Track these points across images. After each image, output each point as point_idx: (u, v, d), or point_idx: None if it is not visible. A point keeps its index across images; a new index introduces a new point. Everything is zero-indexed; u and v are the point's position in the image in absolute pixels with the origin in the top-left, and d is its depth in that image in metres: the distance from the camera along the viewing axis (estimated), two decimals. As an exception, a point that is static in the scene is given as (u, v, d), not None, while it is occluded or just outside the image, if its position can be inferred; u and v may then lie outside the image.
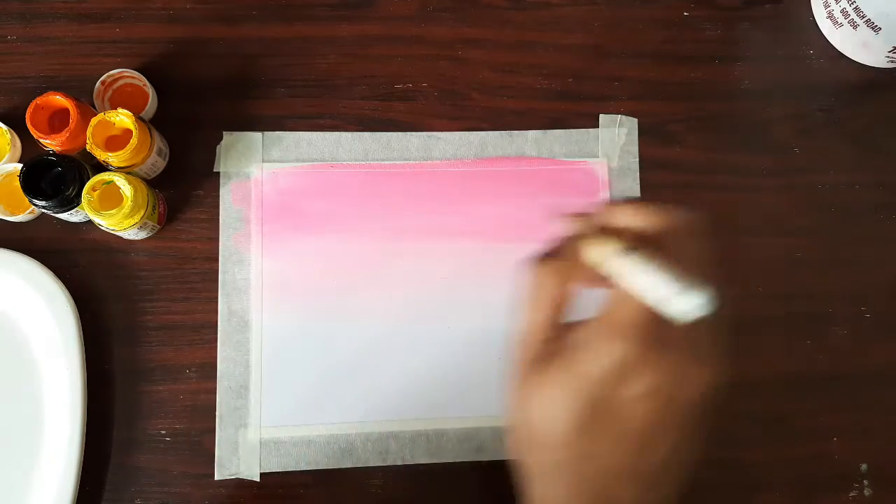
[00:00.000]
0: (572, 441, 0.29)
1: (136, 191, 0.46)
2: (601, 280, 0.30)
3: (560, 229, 0.32)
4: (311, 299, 0.50)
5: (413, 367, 0.50)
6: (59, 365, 0.47)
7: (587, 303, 0.31)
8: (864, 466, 0.50)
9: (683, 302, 0.27)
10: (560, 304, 0.31)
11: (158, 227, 0.50)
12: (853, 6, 0.53)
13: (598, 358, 0.28)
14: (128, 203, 0.45)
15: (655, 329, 0.29)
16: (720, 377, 0.31)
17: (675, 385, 0.29)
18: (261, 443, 0.48)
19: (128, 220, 0.46)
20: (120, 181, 0.46)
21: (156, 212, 0.48)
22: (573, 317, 0.31)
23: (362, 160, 0.53)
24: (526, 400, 0.30)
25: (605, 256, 0.30)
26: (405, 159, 0.53)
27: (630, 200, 0.31)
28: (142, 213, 0.46)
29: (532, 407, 0.30)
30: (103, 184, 0.46)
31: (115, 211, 0.45)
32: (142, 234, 0.49)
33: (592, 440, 0.29)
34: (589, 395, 0.29)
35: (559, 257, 0.31)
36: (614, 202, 0.31)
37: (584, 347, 0.29)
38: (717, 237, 0.53)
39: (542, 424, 0.30)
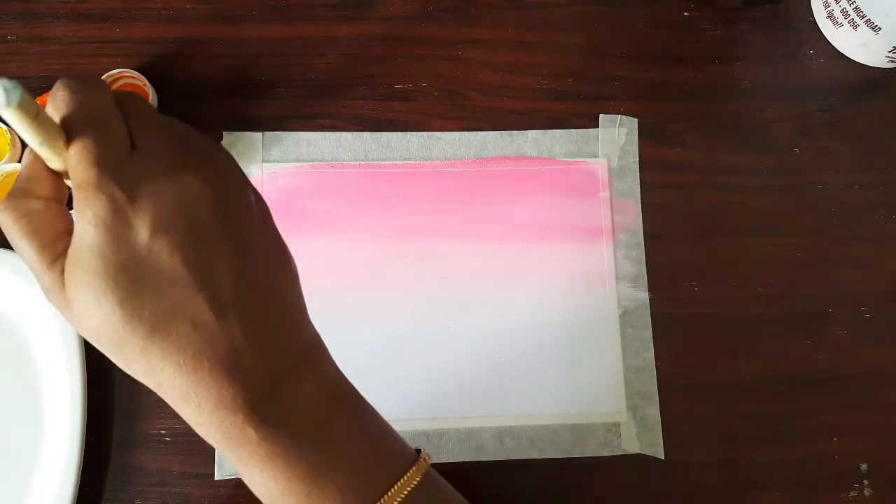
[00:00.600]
0: (136, 314, 0.27)
1: None
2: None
3: None
4: (310, 300, 0.50)
5: (413, 366, 0.50)
6: (59, 365, 0.47)
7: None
8: (864, 466, 0.50)
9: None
10: (42, 229, 0.28)
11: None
12: (853, 6, 0.53)
13: (85, 227, 0.26)
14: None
15: (119, 169, 0.26)
16: (220, 187, 0.28)
17: (173, 207, 0.27)
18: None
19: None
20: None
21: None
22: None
23: (362, 160, 0.53)
24: (77, 319, 0.28)
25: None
26: (405, 159, 0.53)
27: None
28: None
29: (84, 318, 0.28)
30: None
31: None
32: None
33: (151, 302, 0.26)
34: (108, 264, 0.26)
35: (14, 192, 0.28)
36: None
37: (74, 234, 0.27)
38: (717, 237, 0.54)
39: (102, 324, 0.28)
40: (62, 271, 0.27)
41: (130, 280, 0.26)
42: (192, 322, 0.27)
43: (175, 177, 0.27)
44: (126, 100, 0.29)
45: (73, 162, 0.26)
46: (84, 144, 0.26)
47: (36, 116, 0.25)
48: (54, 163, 0.27)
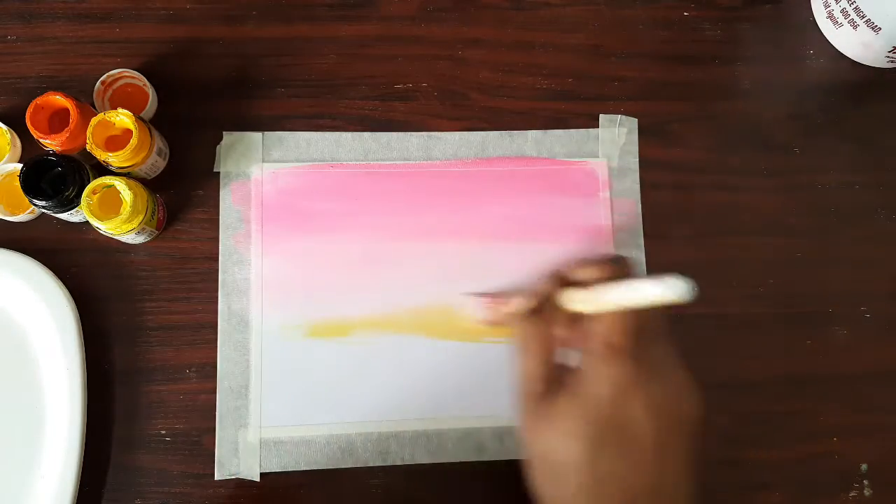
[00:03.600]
0: (589, 465, 0.30)
1: (135, 196, 0.46)
2: (579, 319, 0.33)
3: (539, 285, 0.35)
4: (310, 299, 0.50)
5: (413, 366, 0.50)
6: (59, 365, 0.47)
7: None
8: (864, 466, 0.50)
9: (665, 287, 0.29)
10: (548, 348, 0.33)
11: (157, 232, 0.50)
12: (853, 6, 0.53)
13: (598, 382, 0.30)
14: (126, 208, 0.45)
15: (645, 349, 0.31)
16: (698, 395, 0.33)
17: (674, 400, 0.31)
18: (261, 443, 0.48)
19: (126, 225, 0.46)
20: (120, 185, 0.46)
21: (154, 217, 0.48)
22: (563, 359, 0.34)
23: (362, 160, 0.53)
24: (538, 435, 0.32)
25: (577, 297, 0.32)
26: (405, 159, 0.53)
27: (594, 259, 0.34)
28: (140, 218, 0.46)
29: (546, 440, 0.32)
30: (104, 187, 0.46)
31: (114, 216, 0.45)
32: (140, 239, 0.49)
33: (608, 461, 0.30)
34: (596, 418, 0.30)
35: (539, 309, 0.34)
36: (582, 261, 0.34)
37: (583, 376, 0.31)
38: (718, 237, 0.54)
39: (558, 455, 0.31)
40: (548, 394, 0.32)
41: (604, 437, 0.30)
42: (624, 493, 0.31)
43: (677, 374, 0.32)
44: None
45: (615, 323, 0.31)
46: (635, 315, 0.31)
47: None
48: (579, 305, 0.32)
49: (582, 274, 0.34)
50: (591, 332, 0.32)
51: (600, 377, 0.30)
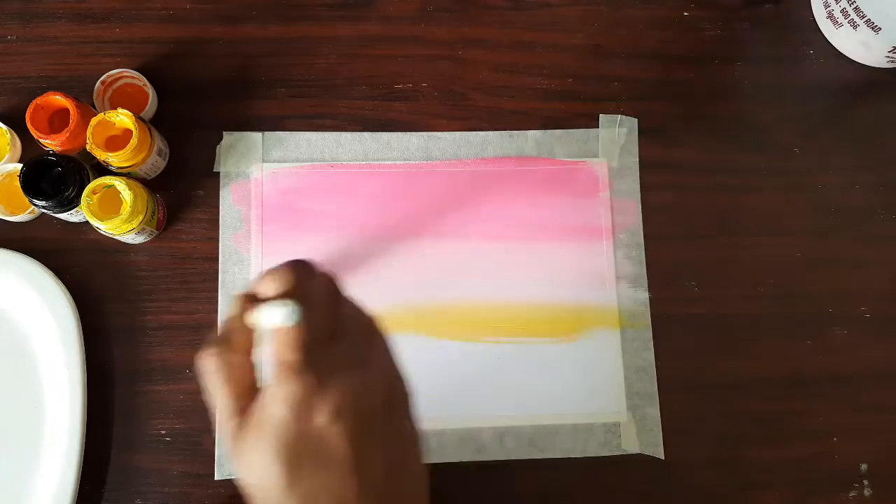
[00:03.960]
0: (293, 488, 0.30)
1: (135, 196, 0.46)
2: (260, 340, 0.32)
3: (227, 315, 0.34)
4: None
5: (413, 366, 0.50)
6: (59, 365, 0.47)
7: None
8: (864, 466, 0.50)
9: (270, 313, 0.30)
10: (238, 379, 0.32)
11: (157, 232, 0.50)
12: (853, 6, 0.53)
13: (274, 403, 0.30)
14: (126, 208, 0.45)
15: (318, 358, 0.30)
16: (387, 382, 0.33)
17: (355, 400, 0.30)
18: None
19: (126, 226, 0.46)
20: (120, 186, 0.46)
21: (154, 217, 0.48)
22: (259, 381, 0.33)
23: (362, 160, 0.53)
24: (242, 468, 0.31)
25: (251, 318, 0.32)
26: (405, 159, 0.53)
27: (270, 271, 0.32)
28: (140, 218, 0.46)
29: (248, 472, 0.31)
30: (104, 187, 0.46)
31: (114, 216, 0.45)
32: (140, 239, 0.49)
33: (311, 478, 0.30)
34: (283, 440, 0.30)
35: (218, 340, 0.32)
36: (262, 274, 0.33)
37: (262, 401, 0.30)
38: (718, 237, 0.54)
39: (262, 484, 0.30)
40: (243, 425, 0.31)
41: (298, 456, 0.30)
42: (338, 501, 0.30)
43: (359, 370, 0.31)
44: (330, 283, 0.33)
45: (282, 340, 0.30)
46: (282, 310, 0.30)
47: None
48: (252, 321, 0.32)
49: (260, 287, 0.32)
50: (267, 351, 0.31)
51: (276, 398, 0.30)
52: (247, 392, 0.32)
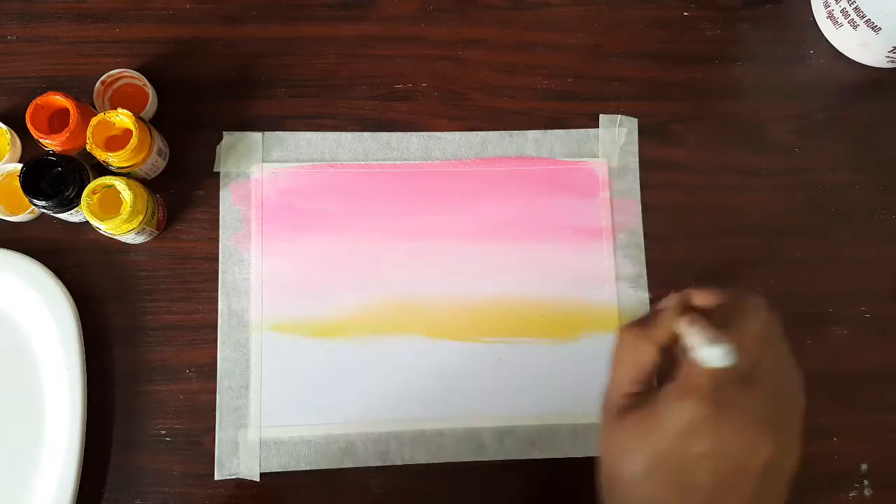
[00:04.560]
0: (639, 484, 0.32)
1: (135, 196, 0.46)
2: (679, 347, 0.33)
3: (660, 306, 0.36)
4: (310, 299, 0.50)
5: (413, 366, 0.50)
6: (59, 364, 0.47)
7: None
8: (864, 466, 0.50)
9: (708, 351, 0.31)
10: (641, 364, 0.34)
11: (157, 232, 0.50)
12: (853, 6, 0.53)
13: (666, 413, 0.31)
14: (126, 208, 0.45)
15: (726, 395, 0.31)
16: (787, 454, 0.32)
17: (738, 451, 0.31)
18: (261, 443, 0.48)
19: (126, 226, 0.46)
20: (120, 186, 0.46)
21: (154, 217, 0.48)
22: (654, 379, 0.35)
23: (362, 160, 0.53)
24: (607, 445, 0.34)
25: (680, 325, 0.33)
26: (405, 159, 0.53)
27: (719, 293, 0.34)
28: (140, 218, 0.46)
29: (611, 452, 0.33)
30: (104, 187, 0.46)
31: (114, 216, 0.45)
32: (140, 239, 0.49)
33: (656, 486, 0.31)
34: (657, 445, 0.31)
35: (644, 324, 0.35)
36: (708, 291, 0.35)
37: (657, 403, 0.32)
38: (718, 237, 0.54)
39: (617, 464, 0.33)
40: (628, 408, 0.33)
41: (660, 468, 0.31)
42: None
43: (756, 427, 0.31)
44: (767, 325, 0.34)
45: (700, 362, 0.31)
46: (721, 352, 0.31)
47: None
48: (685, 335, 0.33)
49: (701, 301, 0.34)
50: (681, 362, 0.33)
51: (670, 409, 0.31)
52: (642, 381, 0.34)
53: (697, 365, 0.32)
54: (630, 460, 0.32)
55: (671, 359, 0.34)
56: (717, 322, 0.33)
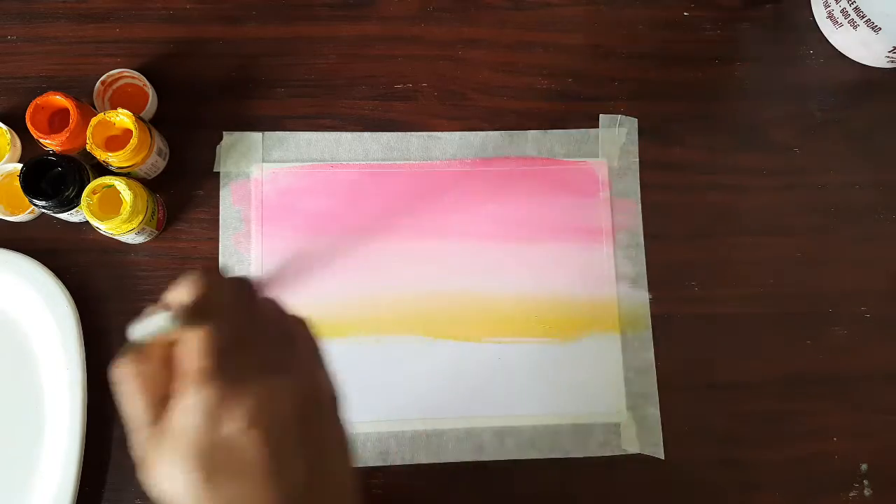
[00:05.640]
0: (210, 493, 0.29)
1: (135, 196, 0.46)
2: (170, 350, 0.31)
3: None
4: (310, 299, 0.50)
5: (413, 366, 0.50)
6: (59, 365, 0.47)
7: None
8: (864, 466, 0.50)
9: (145, 324, 0.30)
10: (149, 389, 0.31)
11: (157, 232, 0.50)
12: (853, 6, 0.53)
13: (185, 413, 0.29)
14: (126, 208, 0.45)
15: (227, 359, 0.29)
16: (307, 387, 0.32)
17: (267, 405, 0.29)
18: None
19: (126, 225, 0.46)
20: (120, 186, 0.46)
21: (154, 217, 0.48)
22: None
23: (362, 160, 0.53)
24: (154, 480, 0.30)
25: (155, 327, 0.31)
26: (405, 159, 0.53)
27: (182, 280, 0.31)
28: (140, 218, 0.46)
29: (161, 485, 0.30)
30: (104, 187, 0.46)
31: (114, 216, 0.45)
32: (139, 239, 0.49)
33: (227, 487, 0.29)
34: (195, 450, 0.29)
35: (127, 353, 0.31)
36: (177, 282, 0.32)
37: (172, 411, 0.30)
38: (717, 237, 0.54)
39: (174, 497, 0.30)
40: (156, 434, 0.30)
41: (214, 465, 0.29)
42: None
43: (275, 375, 0.30)
44: (242, 288, 0.32)
45: (190, 347, 0.29)
46: (204, 334, 0.29)
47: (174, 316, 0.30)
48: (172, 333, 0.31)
49: (171, 296, 0.31)
50: (176, 361, 0.30)
51: (187, 407, 0.29)
52: (161, 402, 0.30)
53: (185, 352, 0.29)
54: (184, 482, 0.29)
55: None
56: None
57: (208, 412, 0.29)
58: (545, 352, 0.50)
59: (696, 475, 0.50)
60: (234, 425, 0.29)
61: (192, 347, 0.29)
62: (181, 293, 0.31)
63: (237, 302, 0.32)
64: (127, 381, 0.31)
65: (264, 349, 0.31)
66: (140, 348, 0.31)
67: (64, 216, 0.48)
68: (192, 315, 0.30)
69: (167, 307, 0.30)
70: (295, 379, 0.31)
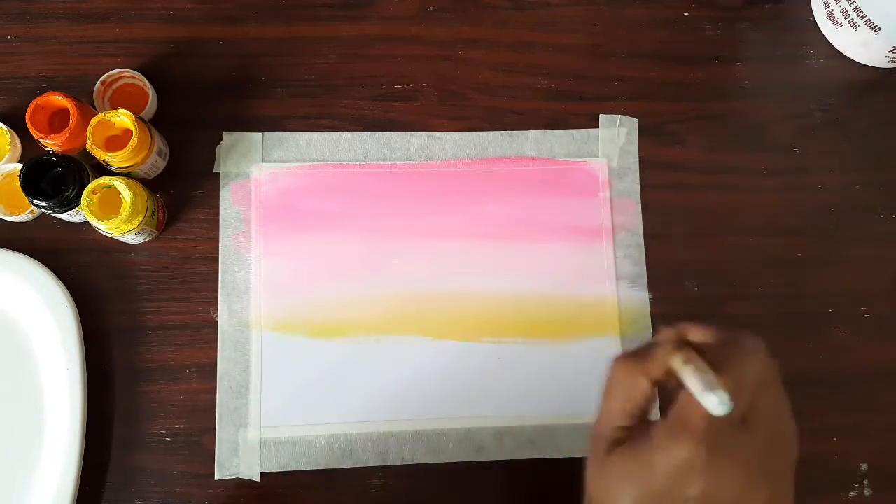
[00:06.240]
0: None
1: (135, 196, 0.46)
2: (674, 383, 0.32)
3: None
4: (311, 299, 0.50)
5: (413, 366, 0.50)
6: (59, 365, 0.47)
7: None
8: (864, 466, 0.50)
9: (705, 396, 0.30)
10: (633, 397, 0.33)
11: (157, 232, 0.50)
12: (853, 6, 0.53)
13: (660, 452, 0.30)
14: (126, 208, 0.45)
15: (721, 438, 0.30)
16: (780, 502, 0.32)
17: (731, 497, 0.30)
18: (261, 443, 0.48)
19: (126, 225, 0.46)
20: (120, 186, 0.46)
21: (154, 217, 0.48)
22: (648, 412, 0.34)
23: (362, 160, 0.53)
24: (595, 478, 0.33)
25: (676, 362, 0.32)
26: (405, 159, 0.53)
27: (707, 328, 0.33)
28: (140, 218, 0.46)
29: (599, 486, 0.32)
30: (104, 187, 0.46)
31: (114, 216, 0.45)
32: (140, 239, 0.49)
33: None
34: (647, 484, 0.30)
35: (638, 356, 0.33)
36: (690, 327, 0.33)
37: (650, 441, 0.31)
38: (717, 237, 0.54)
39: (604, 499, 0.32)
40: (620, 444, 0.32)
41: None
42: None
43: (750, 474, 0.30)
44: (765, 368, 0.33)
45: (693, 401, 0.30)
46: (718, 399, 0.30)
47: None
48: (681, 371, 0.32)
49: (698, 337, 0.33)
50: (677, 400, 0.32)
51: (662, 448, 0.30)
52: (635, 414, 0.33)
53: (693, 403, 0.31)
54: (619, 497, 0.31)
55: (668, 391, 0.33)
56: (714, 360, 0.32)
57: (677, 469, 0.30)
58: (545, 352, 0.50)
59: None
60: (691, 493, 0.30)
61: (699, 404, 0.30)
62: (716, 347, 0.32)
63: (755, 381, 0.32)
64: (619, 381, 0.33)
65: (754, 441, 0.31)
66: (645, 358, 0.33)
67: (64, 216, 0.48)
68: (722, 372, 0.31)
69: (718, 378, 0.30)
70: (764, 486, 0.31)
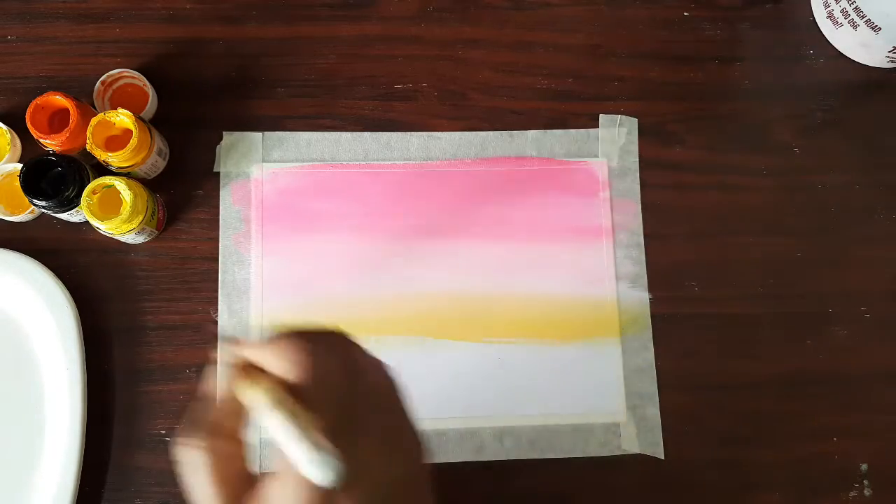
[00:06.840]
0: None
1: (135, 196, 0.46)
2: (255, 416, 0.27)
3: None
4: (310, 300, 0.50)
5: (413, 366, 0.50)
6: (59, 365, 0.47)
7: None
8: (864, 466, 0.50)
9: (313, 469, 0.25)
10: (225, 472, 0.27)
11: (157, 232, 0.50)
12: (853, 6, 0.53)
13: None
14: (126, 208, 0.45)
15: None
16: (412, 458, 0.29)
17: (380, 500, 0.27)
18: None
19: (126, 226, 0.46)
20: (120, 186, 0.46)
21: (154, 217, 0.48)
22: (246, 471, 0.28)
23: (362, 160, 0.53)
24: None
25: (256, 405, 0.26)
26: (405, 159, 0.53)
27: (275, 337, 0.27)
28: (140, 218, 0.46)
29: None
30: (104, 187, 0.46)
31: (114, 216, 0.45)
32: (140, 239, 0.49)
33: None
34: None
35: (203, 424, 0.27)
36: (264, 341, 0.27)
37: (268, 500, 0.26)
38: (718, 237, 0.54)
39: None
40: None
41: None
42: None
43: (384, 462, 0.27)
44: (342, 352, 0.28)
45: (289, 470, 0.25)
46: (322, 466, 0.25)
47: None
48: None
49: (260, 358, 0.27)
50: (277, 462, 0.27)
51: (282, 499, 0.25)
52: (237, 482, 0.27)
53: (289, 473, 0.25)
54: None
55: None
56: (297, 384, 0.26)
57: None
58: (545, 352, 0.50)
59: (696, 475, 0.50)
60: None
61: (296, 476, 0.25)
62: (279, 361, 0.26)
63: (340, 373, 0.28)
64: (199, 465, 0.26)
65: (371, 434, 0.27)
66: (213, 421, 0.26)
67: (64, 216, 0.48)
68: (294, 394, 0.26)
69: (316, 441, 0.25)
70: (400, 460, 0.28)
